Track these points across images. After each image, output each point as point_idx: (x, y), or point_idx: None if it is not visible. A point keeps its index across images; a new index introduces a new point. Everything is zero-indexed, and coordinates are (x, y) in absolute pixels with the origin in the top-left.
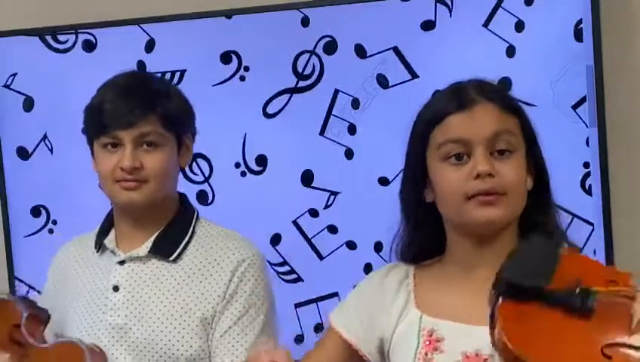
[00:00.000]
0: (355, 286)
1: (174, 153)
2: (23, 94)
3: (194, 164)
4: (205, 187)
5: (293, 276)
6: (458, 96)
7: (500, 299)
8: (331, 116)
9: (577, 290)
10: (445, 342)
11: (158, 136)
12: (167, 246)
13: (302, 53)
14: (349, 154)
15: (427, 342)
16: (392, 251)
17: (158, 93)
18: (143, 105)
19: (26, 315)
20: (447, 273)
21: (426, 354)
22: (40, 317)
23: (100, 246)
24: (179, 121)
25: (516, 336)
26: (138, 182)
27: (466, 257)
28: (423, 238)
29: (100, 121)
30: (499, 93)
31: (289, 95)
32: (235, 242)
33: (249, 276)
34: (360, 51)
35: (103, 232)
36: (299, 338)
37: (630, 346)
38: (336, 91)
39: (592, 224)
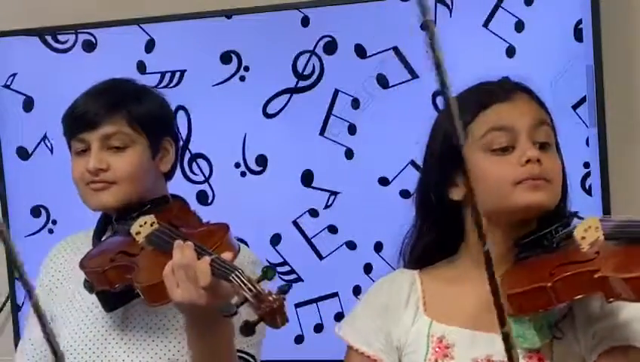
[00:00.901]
0: (354, 287)
1: (146, 155)
2: (23, 94)
3: (194, 164)
4: (205, 187)
5: (293, 276)
6: (493, 90)
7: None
8: (331, 116)
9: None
10: (455, 348)
11: (125, 137)
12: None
13: (302, 53)
14: (349, 154)
15: (437, 349)
16: (401, 252)
17: (126, 94)
18: (106, 106)
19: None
20: (464, 273)
21: (436, 361)
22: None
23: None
24: (150, 123)
25: None
26: (105, 183)
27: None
28: (436, 239)
29: (69, 126)
30: (528, 89)
31: (289, 95)
32: None
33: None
34: (360, 51)
35: (100, 232)
36: (299, 339)
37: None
38: (336, 91)
39: None
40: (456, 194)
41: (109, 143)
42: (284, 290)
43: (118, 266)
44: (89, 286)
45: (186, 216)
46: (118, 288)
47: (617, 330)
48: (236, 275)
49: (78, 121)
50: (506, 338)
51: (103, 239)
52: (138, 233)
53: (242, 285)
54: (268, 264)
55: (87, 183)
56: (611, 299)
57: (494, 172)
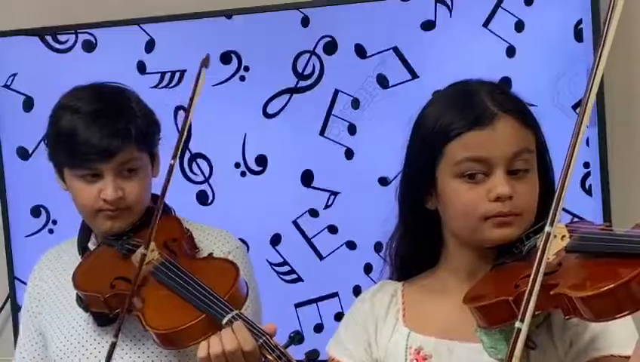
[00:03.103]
0: (354, 287)
1: (149, 169)
2: (23, 94)
3: (194, 164)
4: (205, 187)
5: (293, 276)
6: (476, 109)
7: None
8: (331, 116)
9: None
10: (433, 359)
11: (136, 161)
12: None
13: (302, 53)
14: (349, 154)
15: (414, 361)
16: (386, 252)
17: (128, 115)
18: (118, 133)
19: (189, 234)
20: (443, 283)
21: None
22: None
23: (83, 250)
24: (150, 138)
25: None
26: (120, 210)
27: (468, 265)
28: (417, 244)
29: (74, 153)
30: (516, 105)
31: (289, 95)
32: (219, 235)
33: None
34: (360, 51)
35: (84, 238)
36: (302, 339)
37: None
38: (336, 91)
39: None
40: (432, 203)
41: (122, 168)
42: (311, 358)
43: (120, 294)
44: (84, 306)
45: (177, 232)
46: (116, 313)
47: (597, 340)
48: (265, 341)
49: (90, 152)
50: (517, 335)
51: (91, 249)
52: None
53: (270, 351)
54: (296, 331)
55: (99, 210)
56: (568, 317)
57: (464, 201)
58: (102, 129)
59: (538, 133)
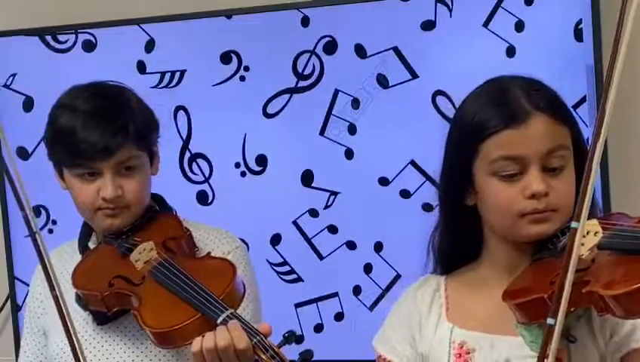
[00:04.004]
0: (354, 287)
1: (148, 167)
2: (23, 94)
3: (194, 164)
4: (205, 187)
5: (293, 276)
6: (510, 108)
7: None
8: (331, 116)
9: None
10: (476, 354)
11: (134, 159)
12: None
13: (302, 53)
14: (349, 154)
15: (458, 355)
16: (429, 247)
17: (127, 113)
18: (117, 132)
19: (188, 233)
20: (484, 278)
21: None
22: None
23: (84, 249)
24: (148, 135)
25: None
26: (119, 208)
27: (508, 260)
28: (461, 240)
29: (73, 152)
30: (550, 102)
31: (289, 95)
32: (219, 235)
33: (237, 265)
34: (360, 51)
35: (84, 237)
36: (299, 339)
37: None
38: (337, 91)
39: None
40: (471, 199)
41: (121, 167)
42: (305, 359)
43: (118, 293)
44: (83, 304)
45: (176, 232)
46: (115, 311)
47: (637, 331)
48: (259, 341)
49: (88, 150)
50: (550, 331)
51: (90, 247)
52: (137, 260)
53: (264, 351)
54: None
55: (99, 208)
56: (601, 314)
57: (500, 199)
58: (100, 127)
59: (574, 129)
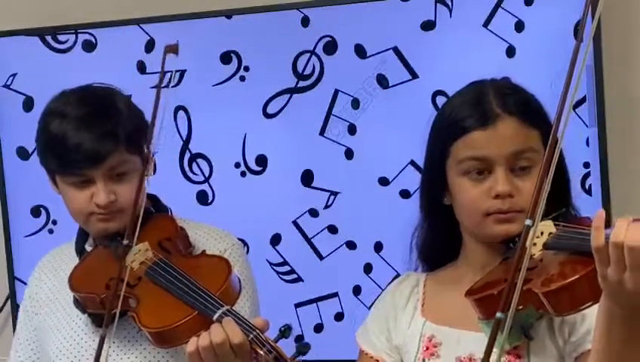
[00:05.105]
0: (354, 287)
1: (140, 171)
2: (23, 94)
3: (194, 164)
4: (205, 187)
5: (293, 276)
6: (480, 109)
7: None
8: (331, 116)
9: None
10: (442, 347)
11: (126, 164)
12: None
13: (302, 53)
14: (349, 154)
15: (425, 348)
16: (411, 246)
17: (117, 118)
18: (106, 138)
19: (183, 232)
20: (460, 276)
21: (424, 360)
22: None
23: (81, 252)
24: (140, 139)
25: None
26: (113, 213)
27: (482, 259)
28: (440, 238)
29: (64, 160)
30: (521, 106)
31: (289, 95)
32: (215, 234)
33: (234, 263)
34: (360, 51)
35: (81, 240)
36: (299, 339)
37: None
38: (336, 91)
39: None
40: (447, 199)
41: (113, 173)
42: (302, 352)
43: (115, 295)
44: (81, 307)
45: (171, 231)
46: (114, 313)
47: (590, 334)
48: (255, 336)
49: (79, 158)
50: (496, 325)
51: (87, 249)
52: (133, 261)
53: (261, 346)
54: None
55: (91, 214)
56: (538, 310)
57: (468, 198)
58: (90, 133)
59: (543, 130)
